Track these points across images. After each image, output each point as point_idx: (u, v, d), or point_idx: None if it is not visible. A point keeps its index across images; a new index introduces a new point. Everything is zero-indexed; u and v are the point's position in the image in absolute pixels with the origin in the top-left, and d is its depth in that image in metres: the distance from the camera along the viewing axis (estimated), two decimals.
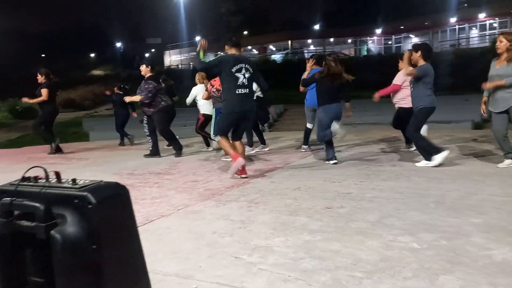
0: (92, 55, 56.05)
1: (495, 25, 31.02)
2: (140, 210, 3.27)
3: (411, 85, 4.76)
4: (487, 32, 30.42)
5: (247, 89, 4.48)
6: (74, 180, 1.16)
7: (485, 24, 31.42)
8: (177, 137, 6.60)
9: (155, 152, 6.40)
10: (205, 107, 6.88)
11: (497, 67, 4.35)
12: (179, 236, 2.65)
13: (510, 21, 30.10)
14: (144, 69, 6.37)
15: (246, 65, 4.47)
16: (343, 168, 4.81)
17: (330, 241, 2.44)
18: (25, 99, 7.56)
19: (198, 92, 6.92)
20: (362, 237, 2.48)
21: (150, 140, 6.44)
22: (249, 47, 45.44)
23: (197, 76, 7.10)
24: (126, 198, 1.14)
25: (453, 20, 31.91)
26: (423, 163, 4.65)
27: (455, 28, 31.83)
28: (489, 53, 19.92)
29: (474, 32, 32.44)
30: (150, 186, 4.23)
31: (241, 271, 2.07)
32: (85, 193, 1.07)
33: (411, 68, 4.83)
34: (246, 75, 4.44)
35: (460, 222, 2.69)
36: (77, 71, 45.54)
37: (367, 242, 2.39)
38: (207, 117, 6.92)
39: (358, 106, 10.76)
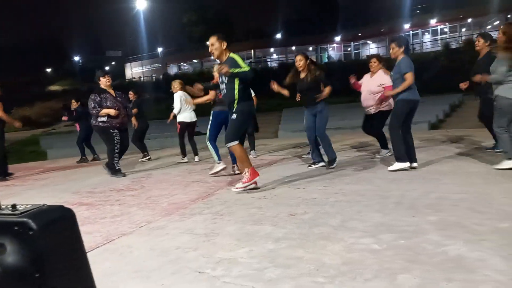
0: (49, 70, 54.07)
1: (445, 30, 32.83)
2: (100, 229, 3.15)
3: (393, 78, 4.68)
4: (439, 36, 32.12)
5: None
6: (14, 206, 1.09)
7: (437, 29, 33.19)
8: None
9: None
10: (182, 115, 6.80)
11: None
12: (141, 254, 2.57)
13: (459, 25, 31.98)
14: (110, 80, 5.91)
15: None
16: (307, 173, 4.88)
17: (294, 248, 2.45)
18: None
19: (183, 98, 6.75)
20: (325, 242, 2.51)
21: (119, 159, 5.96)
22: (212, 57, 45.43)
23: (175, 84, 6.96)
24: (72, 221, 1.10)
25: (407, 26, 33.48)
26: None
27: (409, 34, 33.36)
28: (442, 57, 21.02)
29: (427, 37, 34.15)
30: (111, 204, 4.10)
31: (205, 286, 2.03)
32: (25, 219, 1.02)
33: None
34: None
35: (418, 220, 2.78)
36: (34, 86, 43.71)
37: (329, 247, 2.42)
38: (184, 125, 6.84)
39: None
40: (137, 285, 2.12)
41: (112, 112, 5.58)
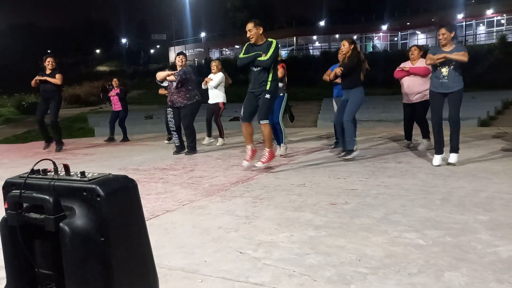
0: (98, 51, 56.26)
1: (502, 21, 30.74)
2: (146, 205, 3.28)
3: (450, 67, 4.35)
4: (495, 28, 30.16)
5: None
6: (82, 173, 1.17)
7: (493, 20, 31.16)
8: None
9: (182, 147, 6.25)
10: (223, 95, 7.04)
11: None
12: (185, 231, 2.66)
13: None
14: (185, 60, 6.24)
15: None
16: (348, 164, 4.80)
17: (335, 237, 2.44)
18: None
19: (222, 79, 6.95)
20: (367, 233, 2.48)
21: (176, 135, 6.22)
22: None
23: (216, 63, 7.11)
24: (134, 191, 1.16)
25: (460, 16, 31.65)
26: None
27: (462, 25, 31.55)
28: (497, 50, 19.76)
29: (481, 29, 32.16)
30: (156, 181, 4.25)
31: (247, 266, 2.08)
32: (93, 186, 1.08)
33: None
34: None
35: (467, 219, 2.68)
36: (83, 67, 45.79)
37: (372, 238, 2.39)
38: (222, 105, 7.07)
39: (365, 102, 10.76)
40: (181, 260, 2.20)
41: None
